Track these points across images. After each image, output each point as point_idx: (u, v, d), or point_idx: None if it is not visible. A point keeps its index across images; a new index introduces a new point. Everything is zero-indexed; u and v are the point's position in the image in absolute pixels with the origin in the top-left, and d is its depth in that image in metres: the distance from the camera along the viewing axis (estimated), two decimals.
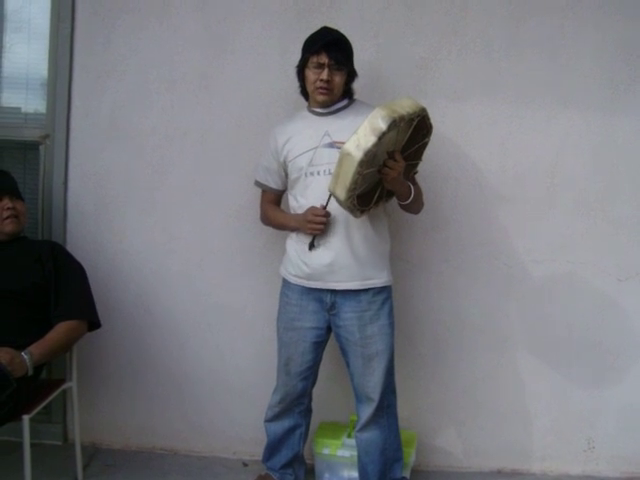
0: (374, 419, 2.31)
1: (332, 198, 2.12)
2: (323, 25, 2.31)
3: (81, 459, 2.52)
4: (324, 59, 2.19)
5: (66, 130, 2.72)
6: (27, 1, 2.79)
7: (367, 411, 2.31)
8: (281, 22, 2.64)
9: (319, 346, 2.37)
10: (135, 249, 2.76)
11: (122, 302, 2.77)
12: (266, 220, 2.48)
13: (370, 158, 1.95)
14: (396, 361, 2.36)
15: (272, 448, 2.48)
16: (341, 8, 2.62)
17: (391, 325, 2.31)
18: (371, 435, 2.33)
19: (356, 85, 2.34)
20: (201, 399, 2.80)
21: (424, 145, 2.23)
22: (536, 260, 2.68)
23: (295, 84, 2.35)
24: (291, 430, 2.46)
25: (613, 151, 2.63)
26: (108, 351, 2.79)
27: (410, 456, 2.55)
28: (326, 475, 2.57)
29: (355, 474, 2.45)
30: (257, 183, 2.46)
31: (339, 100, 2.29)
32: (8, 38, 2.79)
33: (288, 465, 2.48)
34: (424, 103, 2.08)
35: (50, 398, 2.35)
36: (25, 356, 2.10)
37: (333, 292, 2.28)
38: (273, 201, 2.46)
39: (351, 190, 2.00)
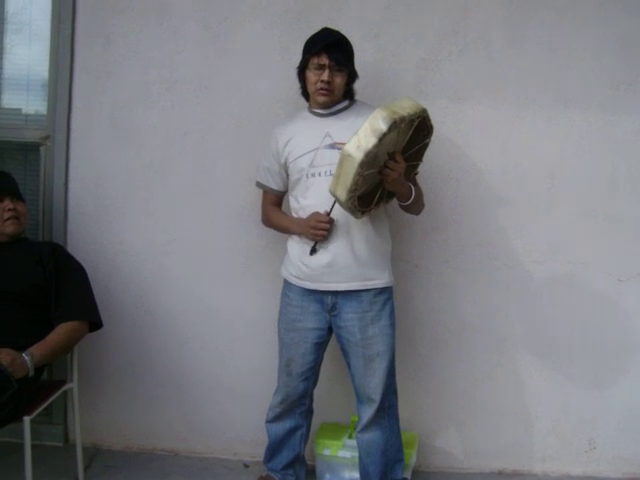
0: (375, 420, 2.31)
1: (337, 206, 2.12)
2: (324, 26, 2.31)
3: (82, 460, 2.52)
4: (325, 60, 2.19)
5: (67, 131, 2.72)
6: (28, 2, 2.79)
7: (368, 412, 2.31)
8: (282, 22, 2.64)
9: (320, 347, 2.37)
10: (135, 250, 2.76)
11: (122, 303, 2.77)
12: (268, 222, 2.48)
13: (371, 159, 1.95)
14: (396, 362, 2.36)
15: (273, 449, 2.48)
16: (341, 9, 2.62)
17: (392, 326, 2.31)
18: (372, 436, 2.33)
19: (357, 86, 2.34)
20: (202, 400, 2.80)
21: (425, 146, 2.23)
22: (536, 261, 2.68)
23: (296, 84, 2.35)
24: (292, 431, 2.46)
25: (614, 151, 2.63)
26: (108, 352, 2.79)
27: (411, 457, 2.55)
28: (327, 476, 2.57)
29: (356, 475, 2.45)
30: (258, 184, 2.46)
31: (340, 101, 2.29)
32: (9, 39, 2.80)
33: (289, 466, 2.48)
34: (425, 104, 2.09)
35: (51, 399, 2.35)
36: (26, 357, 2.10)
37: (334, 293, 2.28)
38: (274, 202, 2.46)
39: (352, 191, 2.00)
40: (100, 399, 2.80)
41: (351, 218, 2.18)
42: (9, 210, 2.40)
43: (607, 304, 2.68)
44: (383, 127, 1.91)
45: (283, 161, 2.34)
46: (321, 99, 2.25)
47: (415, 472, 2.65)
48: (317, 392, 2.49)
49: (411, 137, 2.12)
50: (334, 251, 2.24)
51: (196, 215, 2.73)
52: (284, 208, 2.47)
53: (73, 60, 2.70)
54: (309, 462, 2.60)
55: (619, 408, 2.71)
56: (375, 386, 2.28)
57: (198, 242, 2.74)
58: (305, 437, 2.49)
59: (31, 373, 2.11)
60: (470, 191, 2.67)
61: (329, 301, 2.29)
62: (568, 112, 2.62)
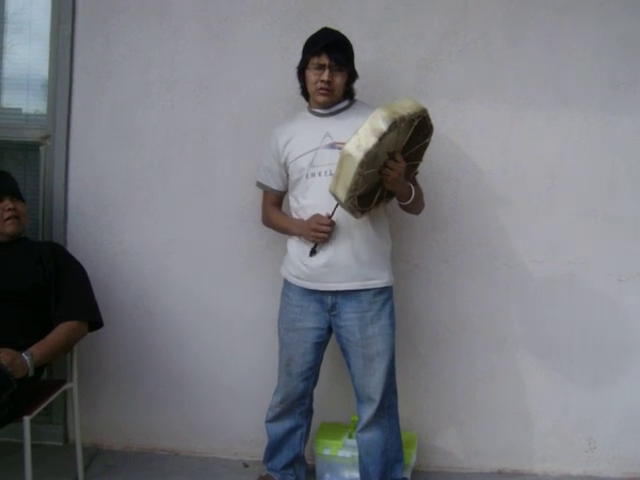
0: (375, 419, 2.31)
1: (338, 207, 2.12)
2: (324, 25, 2.31)
3: (82, 460, 2.52)
4: (325, 60, 2.19)
5: (66, 131, 2.72)
6: (28, 2, 2.78)
7: (368, 411, 2.31)
8: (282, 22, 2.64)
9: (320, 347, 2.37)
10: (135, 250, 2.76)
11: (122, 303, 2.77)
12: (268, 223, 2.48)
13: (371, 159, 1.95)
14: (396, 361, 2.36)
15: (273, 449, 2.48)
16: (342, 8, 2.62)
17: (392, 325, 2.31)
18: (372, 436, 2.33)
19: (357, 86, 2.34)
20: (202, 400, 2.80)
21: (425, 146, 2.23)
22: (536, 260, 2.68)
23: (296, 84, 2.35)
24: (292, 431, 2.45)
25: (614, 151, 2.63)
26: (108, 352, 2.79)
27: (411, 457, 2.56)
28: (327, 476, 2.57)
29: (356, 475, 2.44)
30: (259, 184, 2.46)
31: (340, 101, 2.29)
32: (9, 39, 2.79)
33: (289, 466, 2.48)
34: (424, 104, 2.08)
35: (51, 399, 2.35)
36: (26, 357, 2.10)
37: (334, 293, 2.28)
38: (275, 202, 2.46)
39: (352, 191, 2.00)
40: (100, 399, 2.80)
41: (351, 218, 2.18)
42: (9, 210, 2.40)
43: (607, 304, 2.68)
44: (383, 127, 1.91)
45: (283, 161, 2.34)
46: (321, 99, 2.25)
47: (415, 472, 2.65)
48: (317, 392, 2.49)
49: (411, 137, 2.12)
50: (334, 251, 2.24)
51: (196, 215, 2.73)
52: (284, 208, 2.47)
53: (73, 60, 2.70)
54: (309, 462, 2.60)
55: (619, 408, 2.71)
56: (375, 386, 2.28)
57: (198, 242, 2.74)
58: (305, 437, 2.49)
59: (31, 373, 2.11)
60: (470, 191, 2.67)
61: (329, 301, 2.29)
62: (568, 112, 2.62)
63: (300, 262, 2.30)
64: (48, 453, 2.70)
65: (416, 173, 2.34)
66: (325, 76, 2.20)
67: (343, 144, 2.00)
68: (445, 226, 2.68)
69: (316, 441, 2.58)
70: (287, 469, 2.48)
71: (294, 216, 2.36)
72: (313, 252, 2.25)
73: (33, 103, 2.83)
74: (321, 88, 2.22)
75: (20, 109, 2.86)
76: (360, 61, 2.33)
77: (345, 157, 1.96)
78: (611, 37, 2.59)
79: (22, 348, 2.13)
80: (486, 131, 2.65)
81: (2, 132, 2.78)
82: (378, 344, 2.27)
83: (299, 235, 2.30)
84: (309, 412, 2.50)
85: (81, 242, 2.74)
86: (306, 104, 2.37)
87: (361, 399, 2.34)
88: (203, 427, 2.81)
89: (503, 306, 2.71)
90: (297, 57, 2.31)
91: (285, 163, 2.33)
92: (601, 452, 2.73)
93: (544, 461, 2.74)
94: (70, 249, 2.61)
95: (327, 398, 2.65)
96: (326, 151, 2.23)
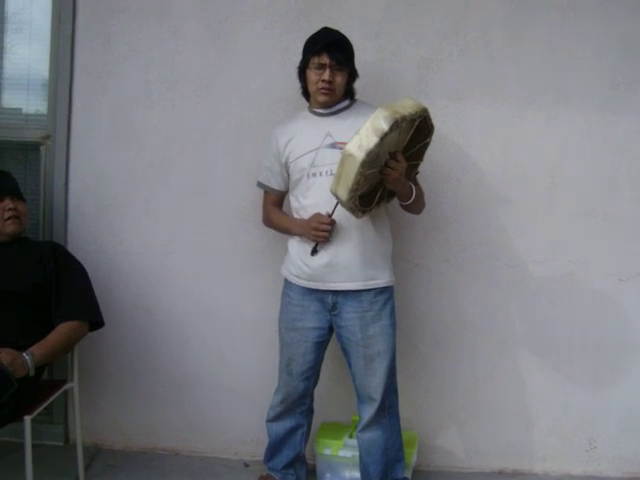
0: (376, 419, 2.31)
1: (338, 206, 2.12)
2: (324, 25, 2.31)
3: (82, 460, 2.52)
4: (325, 59, 2.19)
5: (67, 131, 2.72)
6: (28, 2, 2.78)
7: (369, 411, 2.31)
8: (282, 22, 2.64)
9: (321, 346, 2.37)
10: (135, 250, 2.76)
11: (122, 303, 2.77)
12: (269, 223, 2.48)
13: (372, 159, 1.95)
14: (397, 361, 2.36)
15: (273, 448, 2.48)
16: (342, 8, 2.62)
17: (393, 325, 2.31)
18: (373, 435, 2.33)
19: (357, 85, 2.34)
20: (202, 399, 2.80)
21: (425, 145, 2.23)
22: (537, 260, 2.68)
23: (296, 84, 2.34)
24: (293, 430, 2.45)
25: (614, 151, 2.63)
26: (109, 352, 2.79)
27: (411, 456, 2.56)
28: (328, 475, 2.57)
29: (357, 474, 2.44)
30: (260, 184, 2.46)
31: (340, 100, 2.29)
32: (9, 39, 2.80)
33: (289, 465, 2.48)
34: (425, 103, 2.08)
35: (51, 399, 2.35)
36: (27, 357, 2.10)
37: (335, 292, 2.28)
38: (275, 202, 2.45)
39: (353, 191, 2.00)
40: (101, 399, 2.80)
41: (352, 218, 2.18)
42: (9, 210, 2.40)
43: (608, 304, 2.68)
44: (385, 126, 1.91)
45: (284, 161, 2.34)
46: (322, 98, 2.25)
47: (416, 471, 2.65)
48: (318, 391, 2.49)
49: (412, 136, 2.12)
50: (335, 251, 2.24)
51: (196, 215, 2.73)
52: (285, 208, 2.47)
53: (73, 60, 2.70)
54: (310, 461, 2.60)
55: (620, 408, 2.71)
56: (376, 385, 2.28)
57: (198, 242, 2.74)
58: (306, 436, 2.49)
59: (32, 373, 2.11)
60: (471, 190, 2.67)
61: (330, 300, 2.29)
62: (568, 112, 2.62)
63: (301, 262, 2.30)
64: (49, 453, 2.70)
65: (417, 173, 2.33)
66: (326, 75, 2.20)
67: (344, 144, 2.00)
68: (446, 226, 2.68)
69: (317, 441, 2.58)
70: (288, 469, 2.48)
71: (295, 216, 2.36)
72: (314, 251, 2.25)
73: (33, 103, 2.83)
74: (322, 88, 2.21)
75: (20, 109, 2.86)
76: (361, 61, 2.33)
77: (347, 157, 1.96)
78: (612, 37, 2.59)
79: (23, 348, 2.13)
80: (487, 131, 2.65)
81: (2, 132, 2.78)
82: (379, 344, 2.27)
83: (300, 235, 2.30)
84: (310, 412, 2.50)
85: (81, 242, 2.74)
86: (306, 104, 2.37)
87: (362, 399, 2.34)
88: (203, 427, 2.81)
89: (504, 306, 2.71)
90: (297, 57, 2.31)
91: (286, 163, 2.33)
92: (601, 452, 2.73)
93: (545, 461, 2.74)
94: (70, 249, 2.61)
95: (328, 398, 2.65)
96: (327, 151, 2.23)
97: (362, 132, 1.94)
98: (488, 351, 2.72)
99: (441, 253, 2.69)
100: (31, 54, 2.79)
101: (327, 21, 2.39)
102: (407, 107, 1.99)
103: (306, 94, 2.35)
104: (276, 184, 2.41)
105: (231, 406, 2.79)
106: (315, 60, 2.21)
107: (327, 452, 2.55)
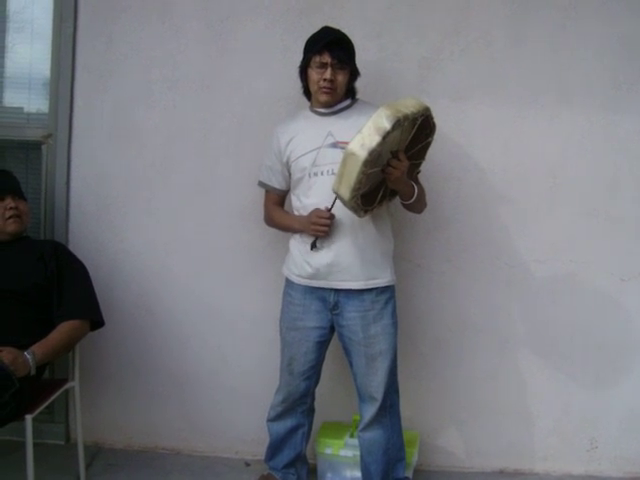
0: (377, 419, 2.31)
1: (337, 200, 2.12)
2: (325, 24, 2.31)
3: (83, 459, 2.52)
4: (327, 58, 2.19)
5: (68, 130, 2.72)
6: (30, 1, 2.78)
7: (370, 411, 2.30)
8: (283, 21, 2.64)
9: (322, 346, 2.37)
10: (137, 249, 2.76)
11: (123, 302, 2.77)
12: (270, 222, 2.48)
13: (374, 158, 1.95)
14: (398, 361, 2.36)
15: (274, 448, 2.48)
16: (344, 7, 2.62)
17: (394, 325, 2.31)
18: (374, 435, 2.33)
19: (359, 85, 2.34)
20: (203, 399, 2.80)
21: (427, 145, 2.22)
22: (538, 260, 2.68)
23: (297, 83, 2.34)
24: (294, 430, 2.45)
25: (616, 151, 2.63)
26: (110, 351, 2.79)
27: (413, 456, 2.56)
28: (328, 475, 2.57)
29: (358, 474, 2.44)
30: (261, 183, 2.46)
31: (342, 100, 2.29)
32: (11, 38, 2.79)
33: (290, 465, 2.48)
34: (426, 103, 2.08)
35: (53, 398, 2.35)
36: (28, 356, 2.10)
37: (336, 291, 2.27)
38: (277, 202, 2.45)
39: (355, 190, 2.00)
40: (102, 398, 2.80)
41: (353, 217, 2.18)
42: (11, 209, 2.40)
43: (609, 304, 2.68)
44: (387, 125, 1.91)
45: (285, 160, 2.33)
46: (323, 97, 2.24)
47: (416, 471, 2.65)
48: (319, 391, 2.49)
49: (414, 136, 2.12)
50: (337, 250, 2.24)
51: (198, 214, 2.73)
52: (286, 207, 2.47)
53: (75, 59, 2.70)
54: (310, 461, 2.60)
55: (621, 408, 2.71)
56: (377, 385, 2.28)
57: (200, 241, 2.74)
58: (307, 436, 2.49)
59: (33, 372, 2.11)
60: (472, 190, 2.67)
61: (331, 299, 2.29)
62: (570, 112, 2.62)
63: (303, 260, 2.29)
64: (50, 452, 2.70)
65: (418, 172, 2.33)
66: (327, 74, 2.19)
67: (346, 143, 2.00)
68: (447, 225, 2.68)
69: (318, 440, 2.58)
70: (288, 468, 2.48)
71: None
72: (314, 246, 2.25)
73: (35, 102, 2.83)
74: (324, 87, 2.21)
75: (22, 108, 2.86)
76: (362, 60, 2.32)
77: (349, 156, 1.96)
78: (613, 37, 2.59)
79: (24, 347, 2.13)
80: (488, 130, 2.65)
81: (4, 131, 2.78)
82: (380, 343, 2.27)
83: (301, 231, 2.30)
84: (311, 411, 2.50)
85: (83, 241, 2.74)
86: (308, 103, 2.37)
87: (363, 398, 2.34)
88: (204, 426, 2.81)
89: (505, 306, 2.71)
90: (299, 56, 2.31)
91: (287, 162, 2.33)
92: (603, 452, 2.73)
93: (546, 460, 2.74)
94: (72, 248, 2.61)
95: (329, 397, 2.65)
96: (328, 150, 2.23)
97: (364, 131, 1.93)
98: (489, 351, 2.72)
99: (442, 253, 2.69)
100: (33, 53, 2.79)
101: (328, 20, 2.39)
102: (409, 106, 1.99)
103: (307, 93, 2.34)
104: (277, 183, 2.41)
105: (232, 405, 2.79)
106: (316, 59, 2.21)
107: (328, 451, 2.55)
